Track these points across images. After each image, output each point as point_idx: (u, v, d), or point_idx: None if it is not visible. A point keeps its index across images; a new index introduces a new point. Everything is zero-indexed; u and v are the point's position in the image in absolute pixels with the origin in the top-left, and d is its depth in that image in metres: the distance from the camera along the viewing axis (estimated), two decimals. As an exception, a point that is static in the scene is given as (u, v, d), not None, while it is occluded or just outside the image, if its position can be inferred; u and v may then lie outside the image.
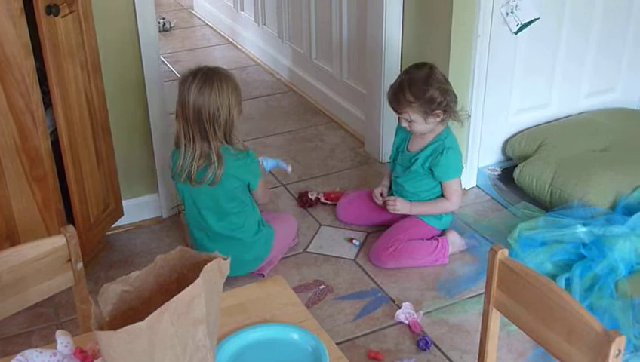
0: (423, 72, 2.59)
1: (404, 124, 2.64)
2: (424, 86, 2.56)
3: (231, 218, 2.52)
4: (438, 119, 2.60)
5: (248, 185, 2.52)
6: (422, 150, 2.68)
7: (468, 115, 2.76)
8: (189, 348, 1.12)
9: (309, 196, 3.07)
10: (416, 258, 2.66)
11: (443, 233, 2.76)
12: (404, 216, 2.76)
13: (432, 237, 2.73)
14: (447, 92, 2.59)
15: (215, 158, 2.38)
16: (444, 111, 2.59)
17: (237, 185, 2.47)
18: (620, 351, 1.29)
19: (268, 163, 2.71)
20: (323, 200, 3.06)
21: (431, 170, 2.67)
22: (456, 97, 2.63)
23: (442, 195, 2.72)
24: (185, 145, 2.41)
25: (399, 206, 2.72)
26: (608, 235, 2.51)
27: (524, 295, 1.49)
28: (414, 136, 2.70)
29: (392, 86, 2.67)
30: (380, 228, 2.85)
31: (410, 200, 2.74)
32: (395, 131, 2.84)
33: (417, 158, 2.68)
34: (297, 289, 2.53)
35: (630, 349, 2.20)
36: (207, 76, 2.39)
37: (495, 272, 1.53)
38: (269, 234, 2.62)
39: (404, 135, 2.76)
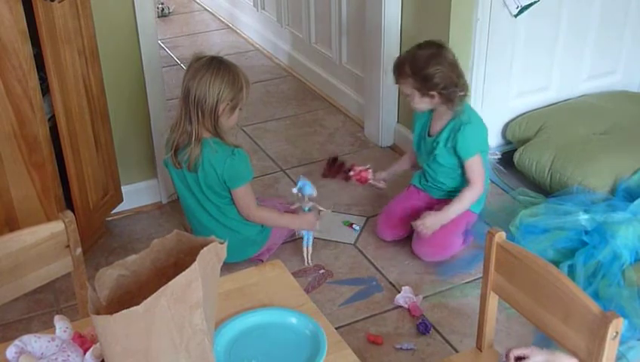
0: (429, 50, 2.54)
1: (403, 96, 2.61)
2: (424, 64, 2.50)
3: (220, 207, 2.50)
4: (434, 100, 2.54)
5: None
6: (441, 132, 2.61)
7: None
8: (186, 332, 1.12)
9: (344, 166, 2.83)
10: (454, 251, 2.64)
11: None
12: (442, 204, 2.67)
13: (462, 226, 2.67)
14: (448, 77, 2.50)
15: (193, 141, 2.37)
16: (440, 95, 2.52)
17: (214, 178, 2.42)
18: (617, 332, 1.30)
19: (306, 188, 2.56)
20: (354, 179, 2.81)
21: (455, 149, 2.60)
22: (465, 86, 2.55)
23: (465, 182, 2.62)
24: (177, 120, 2.41)
25: (428, 223, 2.56)
26: (610, 222, 2.50)
27: (521, 278, 1.50)
28: (434, 119, 2.65)
29: (397, 57, 2.65)
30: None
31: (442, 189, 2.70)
32: (413, 119, 2.78)
33: (438, 142, 2.61)
34: (297, 274, 2.53)
35: (637, 337, 2.20)
36: (210, 62, 2.37)
37: (493, 255, 1.54)
38: (263, 233, 2.60)
39: (423, 120, 2.70)
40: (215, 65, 2.35)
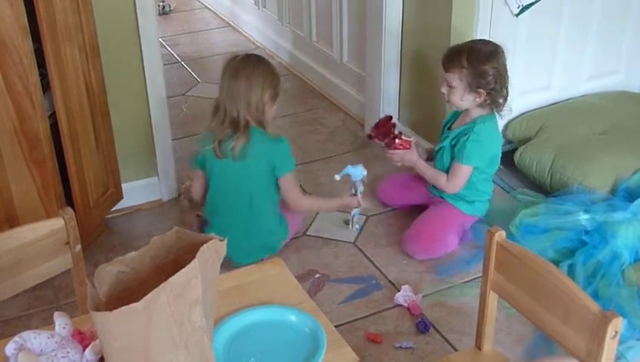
0: (488, 47, 2.54)
1: (444, 89, 2.56)
2: (483, 58, 2.49)
3: (253, 207, 2.50)
4: (478, 99, 2.53)
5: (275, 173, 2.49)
6: (456, 130, 2.63)
7: (509, 110, 2.65)
8: (185, 329, 1.12)
9: (394, 129, 2.68)
10: (447, 249, 2.65)
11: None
12: (437, 202, 2.71)
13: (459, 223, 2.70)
14: (500, 78, 2.51)
15: (242, 128, 2.41)
16: (488, 94, 2.51)
17: (263, 166, 2.46)
18: (616, 332, 1.29)
19: (355, 171, 2.61)
20: (396, 148, 2.66)
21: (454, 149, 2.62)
22: (507, 93, 2.56)
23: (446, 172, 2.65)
24: (218, 115, 2.45)
25: (407, 156, 2.65)
26: (610, 222, 2.49)
27: (521, 277, 1.49)
28: (461, 116, 2.65)
29: (453, 45, 2.60)
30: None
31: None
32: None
33: (447, 136, 2.64)
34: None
35: (637, 337, 2.20)
36: (247, 58, 2.47)
37: (492, 254, 1.54)
38: (284, 231, 2.63)
39: (455, 113, 2.70)
40: (253, 60, 2.47)
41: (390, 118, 2.69)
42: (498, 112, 2.61)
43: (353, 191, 2.65)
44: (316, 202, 2.76)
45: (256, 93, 2.41)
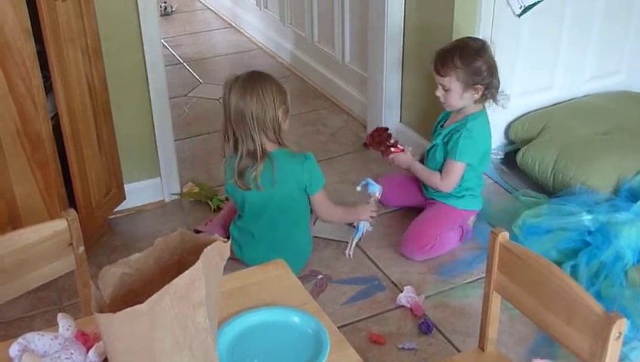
0: (477, 44, 2.55)
1: (439, 93, 2.56)
2: (475, 55, 2.51)
3: (290, 226, 2.50)
4: (476, 95, 2.54)
5: (306, 191, 2.47)
6: (448, 127, 2.65)
7: (507, 97, 2.64)
8: (189, 330, 1.12)
9: (390, 139, 2.73)
10: (445, 248, 2.66)
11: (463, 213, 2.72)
12: (431, 204, 2.73)
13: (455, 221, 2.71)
14: (493, 71, 2.54)
15: (259, 157, 2.35)
16: (485, 88, 2.53)
17: (293, 186, 2.43)
18: (620, 333, 1.29)
19: (373, 187, 2.63)
20: (392, 156, 2.73)
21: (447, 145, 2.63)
22: (499, 83, 2.58)
23: (440, 170, 2.65)
24: (232, 147, 2.40)
25: (402, 158, 2.68)
26: (613, 222, 2.49)
27: (524, 278, 1.49)
28: (453, 113, 2.66)
29: (440, 49, 2.60)
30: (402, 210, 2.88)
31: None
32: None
33: (440, 133, 2.65)
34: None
35: (639, 338, 2.20)
36: (251, 77, 2.36)
37: (496, 255, 1.54)
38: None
39: (447, 113, 2.71)
40: (257, 78, 2.36)
41: (386, 128, 2.75)
42: (495, 101, 2.61)
43: (368, 201, 2.63)
44: (340, 210, 2.60)
45: (271, 113, 2.33)
